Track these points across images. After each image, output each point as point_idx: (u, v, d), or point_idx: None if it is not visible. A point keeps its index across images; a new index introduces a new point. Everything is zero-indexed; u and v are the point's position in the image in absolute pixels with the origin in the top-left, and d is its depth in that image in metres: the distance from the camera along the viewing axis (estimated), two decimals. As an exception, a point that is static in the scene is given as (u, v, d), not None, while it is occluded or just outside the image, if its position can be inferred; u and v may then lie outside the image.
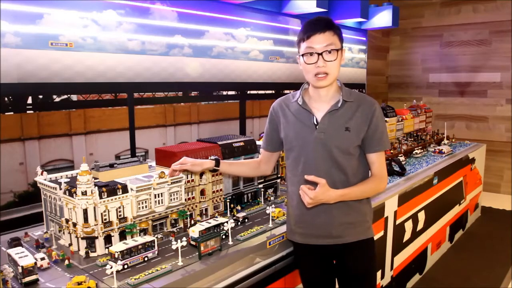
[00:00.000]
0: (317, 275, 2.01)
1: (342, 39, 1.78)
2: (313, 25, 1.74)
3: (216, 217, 2.11)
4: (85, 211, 1.77)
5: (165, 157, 2.24)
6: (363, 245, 1.91)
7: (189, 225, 2.12)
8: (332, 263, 2.01)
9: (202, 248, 1.80)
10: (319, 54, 1.71)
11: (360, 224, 1.90)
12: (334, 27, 1.74)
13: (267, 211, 2.17)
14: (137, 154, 3.03)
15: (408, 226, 3.26)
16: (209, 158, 2.15)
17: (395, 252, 3.11)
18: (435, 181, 3.63)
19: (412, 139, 4.55)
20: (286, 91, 4.57)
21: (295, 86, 4.69)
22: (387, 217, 2.92)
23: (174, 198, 2.07)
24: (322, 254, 1.96)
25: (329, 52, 1.71)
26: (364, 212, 1.92)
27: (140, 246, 1.76)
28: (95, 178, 1.99)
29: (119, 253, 1.69)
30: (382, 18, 5.06)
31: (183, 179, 2.10)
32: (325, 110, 1.81)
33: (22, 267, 1.57)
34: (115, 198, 1.85)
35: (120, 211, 1.87)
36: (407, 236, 3.26)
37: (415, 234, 3.40)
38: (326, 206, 1.82)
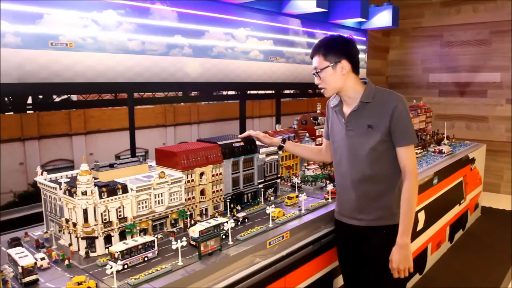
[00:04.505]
0: (345, 251, 2.29)
1: (332, 53, 2.00)
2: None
3: (216, 217, 2.11)
4: (85, 211, 1.77)
5: (165, 157, 2.24)
6: (385, 230, 2.08)
7: (189, 225, 2.12)
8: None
9: (202, 248, 1.80)
10: (314, 74, 2.07)
11: (379, 210, 2.08)
12: (319, 50, 2.03)
13: (267, 211, 2.17)
14: (137, 154, 3.03)
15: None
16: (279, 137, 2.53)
17: (395, 252, 3.10)
18: (435, 181, 3.63)
19: (412, 139, 4.54)
20: (286, 91, 4.57)
21: (295, 86, 4.69)
22: (387, 217, 2.91)
23: (174, 198, 2.07)
24: (350, 233, 2.18)
25: (317, 73, 2.05)
26: (385, 200, 2.08)
27: (140, 246, 1.76)
28: (95, 178, 1.99)
29: (119, 253, 1.69)
30: (382, 18, 5.06)
31: (183, 179, 2.10)
32: (350, 111, 2.07)
33: (22, 267, 1.57)
34: (115, 198, 1.84)
35: (120, 211, 1.87)
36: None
37: (415, 234, 3.40)
38: (351, 197, 2.11)
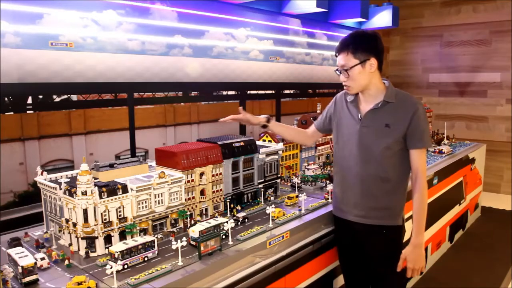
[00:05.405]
0: (346, 248, 2.30)
1: (361, 50, 1.96)
2: (337, 45, 2.05)
3: (216, 217, 2.11)
4: (85, 211, 1.77)
5: (165, 157, 2.24)
6: (386, 230, 2.10)
7: (189, 225, 2.12)
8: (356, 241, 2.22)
9: (202, 248, 1.80)
10: (339, 71, 2.05)
11: (383, 210, 2.09)
12: (347, 48, 1.98)
13: (267, 211, 2.17)
14: (137, 154, 3.03)
15: (408, 226, 3.25)
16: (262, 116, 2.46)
17: (395, 252, 3.10)
18: (435, 181, 3.63)
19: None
20: (286, 91, 4.57)
21: (295, 86, 4.69)
22: (387, 217, 2.91)
23: (174, 198, 2.07)
24: (351, 230, 2.19)
25: (345, 70, 2.00)
26: (389, 200, 2.09)
27: (140, 246, 1.76)
28: (95, 178, 1.99)
29: (119, 253, 1.69)
30: (382, 18, 5.05)
31: (183, 179, 2.10)
32: (369, 108, 2.06)
33: (22, 267, 1.57)
34: (115, 198, 1.85)
35: (120, 211, 1.87)
36: (407, 236, 3.25)
37: (415, 234, 3.39)
38: (355, 193, 2.11)
